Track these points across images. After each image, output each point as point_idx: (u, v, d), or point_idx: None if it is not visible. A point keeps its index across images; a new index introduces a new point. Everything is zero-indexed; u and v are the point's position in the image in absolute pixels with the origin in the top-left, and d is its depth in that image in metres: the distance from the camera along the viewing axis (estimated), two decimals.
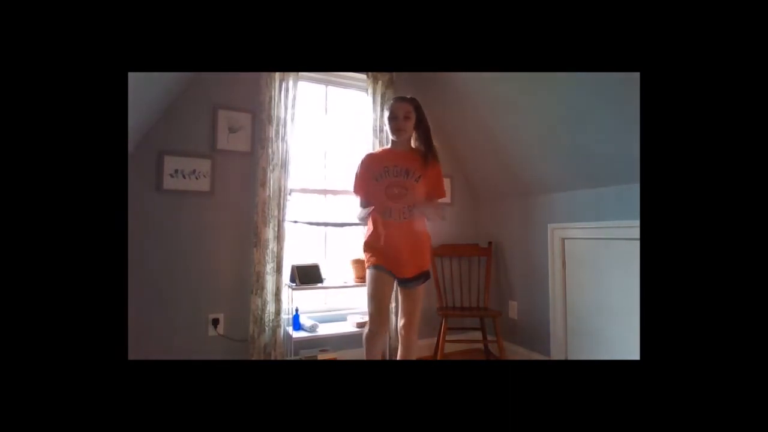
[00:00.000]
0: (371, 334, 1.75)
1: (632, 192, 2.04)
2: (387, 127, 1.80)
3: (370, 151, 1.87)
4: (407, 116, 1.75)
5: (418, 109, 1.78)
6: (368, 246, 1.80)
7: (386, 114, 1.80)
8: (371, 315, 1.76)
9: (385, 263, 1.74)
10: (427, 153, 1.78)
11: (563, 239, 2.49)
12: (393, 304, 2.61)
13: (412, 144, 1.84)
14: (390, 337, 2.64)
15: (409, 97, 1.81)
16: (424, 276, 1.80)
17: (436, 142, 1.81)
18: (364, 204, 1.88)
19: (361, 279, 2.56)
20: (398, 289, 1.84)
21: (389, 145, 1.87)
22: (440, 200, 1.90)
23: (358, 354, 2.78)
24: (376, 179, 1.77)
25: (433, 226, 3.05)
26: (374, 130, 2.73)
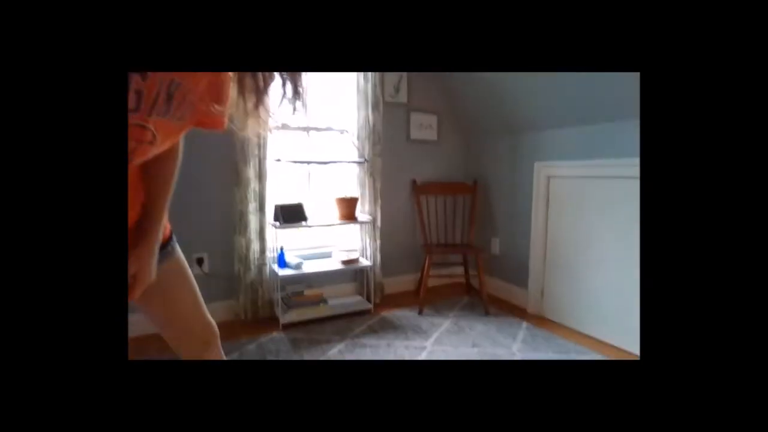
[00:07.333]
0: None
1: (620, 129, 2.02)
2: None
3: None
4: None
5: None
6: None
7: None
8: None
9: None
10: None
11: (549, 177, 2.50)
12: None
13: None
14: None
15: None
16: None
17: None
18: None
19: (345, 217, 2.57)
20: None
21: None
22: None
23: (344, 290, 2.87)
24: None
25: (419, 164, 3.05)
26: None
